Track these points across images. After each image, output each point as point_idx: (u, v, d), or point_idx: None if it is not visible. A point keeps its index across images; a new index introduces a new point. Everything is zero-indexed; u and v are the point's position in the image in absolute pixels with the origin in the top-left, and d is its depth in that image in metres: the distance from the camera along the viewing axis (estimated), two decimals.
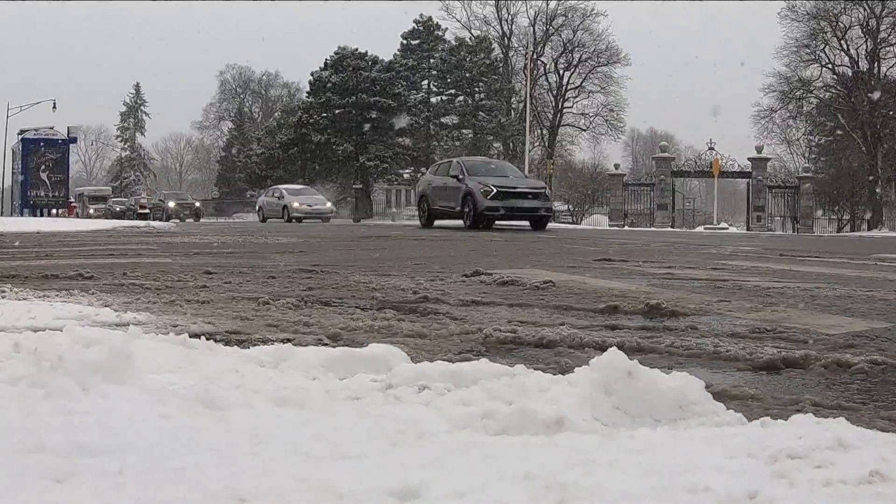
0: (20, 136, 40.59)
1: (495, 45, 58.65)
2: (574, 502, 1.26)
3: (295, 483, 1.31)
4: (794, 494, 1.29)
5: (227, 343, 2.73)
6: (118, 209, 46.20)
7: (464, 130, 56.98)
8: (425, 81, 58.31)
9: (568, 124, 60.06)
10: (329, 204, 34.59)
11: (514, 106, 57.83)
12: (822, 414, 1.84)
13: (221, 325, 3.24)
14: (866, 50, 45.95)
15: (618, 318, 3.60)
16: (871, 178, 42.07)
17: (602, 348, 2.42)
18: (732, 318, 3.67)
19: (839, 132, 45.33)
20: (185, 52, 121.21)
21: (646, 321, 3.56)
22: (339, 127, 54.09)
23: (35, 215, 35.49)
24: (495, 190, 18.47)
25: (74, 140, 43.89)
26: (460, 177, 19.48)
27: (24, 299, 3.92)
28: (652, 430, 1.66)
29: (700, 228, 33.84)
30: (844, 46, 46.05)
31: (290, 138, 55.34)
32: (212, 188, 74.36)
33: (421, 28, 58.37)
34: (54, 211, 38.19)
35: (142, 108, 75.00)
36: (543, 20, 57.85)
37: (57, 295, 4.14)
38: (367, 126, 54.23)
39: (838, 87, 46.91)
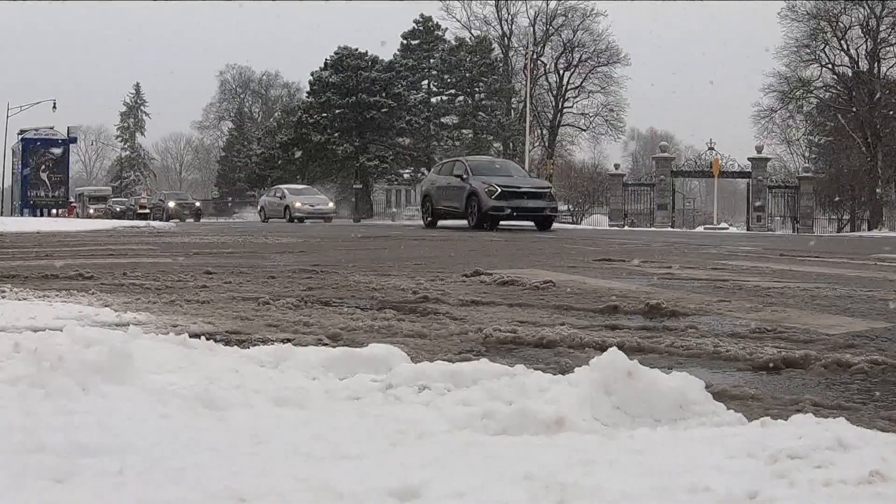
0: (20, 136, 40.60)
1: (495, 45, 58.67)
2: (574, 502, 1.26)
3: (295, 483, 1.31)
4: (794, 494, 1.29)
5: (227, 343, 2.73)
6: (118, 209, 46.19)
7: (464, 130, 57.00)
8: (425, 81, 58.33)
9: (568, 124, 60.10)
10: (331, 204, 34.48)
11: (514, 106, 57.85)
12: (822, 414, 1.84)
13: (221, 325, 3.24)
14: (866, 50, 45.96)
15: (618, 318, 3.60)
16: (871, 176, 42.09)
17: (602, 348, 2.42)
18: (732, 318, 3.67)
19: (839, 136, 45.35)
20: (185, 52, 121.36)
21: (646, 321, 3.56)
22: (339, 127, 54.10)
23: (35, 215, 35.50)
24: (500, 190, 18.19)
25: (74, 140, 43.92)
26: (464, 176, 19.20)
27: (24, 299, 3.92)
28: (652, 430, 1.66)
29: (700, 228, 33.84)
30: (844, 46, 46.08)
31: (290, 138, 55.37)
32: (212, 188, 74.37)
33: (421, 28, 58.40)
34: (54, 211, 38.20)
35: (142, 108, 75.05)
36: (543, 20, 57.89)
37: (57, 295, 4.14)
38: (367, 126, 54.24)
39: (838, 87, 46.92)
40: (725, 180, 44.16)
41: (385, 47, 64.89)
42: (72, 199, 43.22)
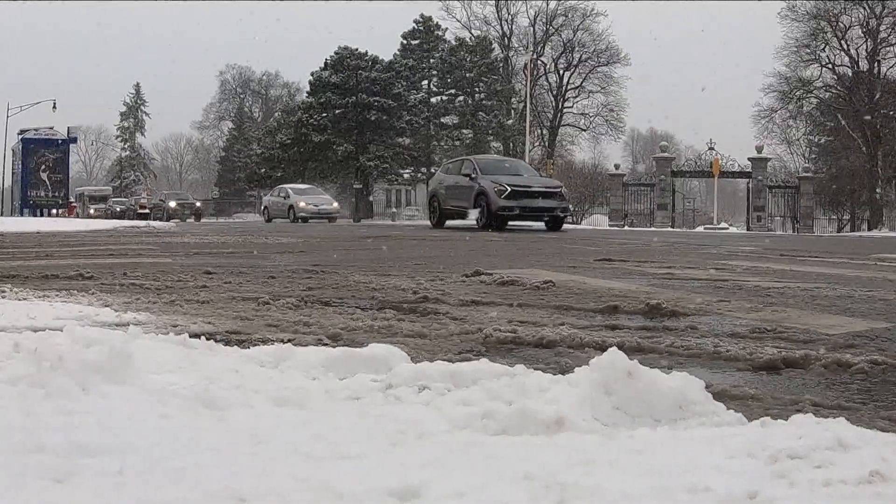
0: (20, 136, 40.61)
1: (495, 45, 58.70)
2: (574, 502, 1.26)
3: (295, 483, 1.31)
4: (794, 494, 1.29)
5: (227, 343, 2.73)
6: (118, 209, 46.22)
7: (464, 130, 57.04)
8: (425, 81, 58.36)
9: (568, 124, 60.13)
10: (335, 204, 34.28)
11: (514, 106, 57.87)
12: (822, 414, 1.84)
13: (221, 325, 3.24)
14: (866, 50, 45.98)
15: (618, 318, 3.60)
16: (871, 176, 42.08)
17: (602, 348, 2.42)
18: (732, 318, 3.67)
19: (839, 136, 45.35)
20: (185, 52, 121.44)
21: (646, 321, 3.56)
22: (339, 127, 54.12)
23: (35, 215, 35.51)
24: (510, 189, 17.84)
25: (74, 140, 43.92)
26: (473, 175, 18.86)
27: (24, 299, 3.92)
28: (652, 430, 1.66)
29: (700, 228, 33.85)
30: (844, 46, 46.09)
31: (290, 138, 55.37)
32: (212, 188, 74.40)
33: (421, 28, 58.43)
34: (54, 211, 38.22)
35: (142, 108, 75.04)
36: (543, 20, 57.92)
37: (57, 295, 4.14)
38: (367, 126, 54.24)
39: (838, 87, 46.92)
40: (725, 180, 44.19)
41: (385, 47, 64.96)
42: (72, 199, 43.23)
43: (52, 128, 40.51)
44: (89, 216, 42.30)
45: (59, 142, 39.94)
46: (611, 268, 6.77)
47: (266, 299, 3.97)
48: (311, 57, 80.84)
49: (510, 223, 18.50)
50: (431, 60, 57.72)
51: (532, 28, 58.32)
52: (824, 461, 1.40)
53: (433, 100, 57.98)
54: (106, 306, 3.69)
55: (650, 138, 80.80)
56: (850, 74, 46.45)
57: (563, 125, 59.72)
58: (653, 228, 33.37)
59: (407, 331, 3.17)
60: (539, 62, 54.42)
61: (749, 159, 40.81)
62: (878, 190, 41.90)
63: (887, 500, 1.27)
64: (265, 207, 35.54)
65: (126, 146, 74.59)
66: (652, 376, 1.84)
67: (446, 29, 58.55)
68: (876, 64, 46.12)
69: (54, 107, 45.62)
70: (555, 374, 2.06)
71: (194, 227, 22.36)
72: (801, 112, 49.27)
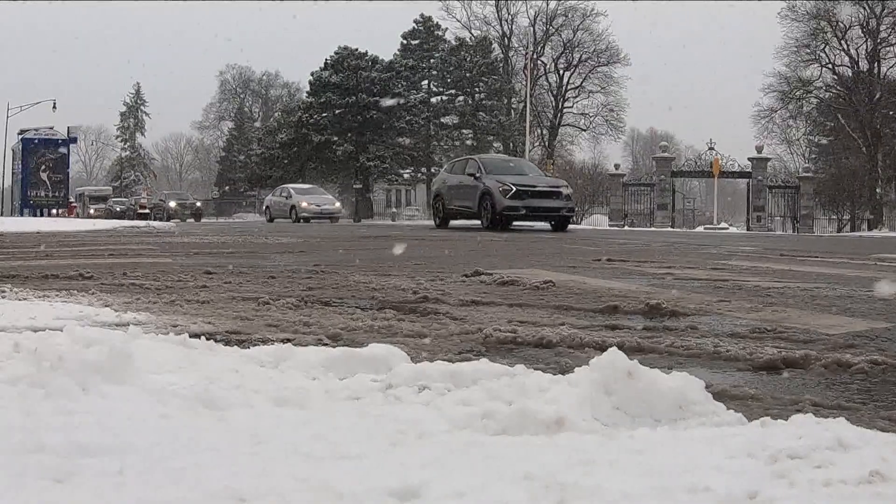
0: (20, 136, 40.63)
1: (495, 45, 58.71)
2: (574, 502, 1.26)
3: (295, 483, 1.31)
4: (794, 494, 1.29)
5: (227, 343, 2.73)
6: (118, 209, 46.20)
7: (464, 130, 57.06)
8: (425, 81, 58.35)
9: (568, 124, 60.14)
10: (338, 204, 33.95)
11: (514, 106, 57.89)
12: (822, 414, 1.84)
13: (221, 325, 3.24)
14: (866, 50, 45.99)
15: (618, 318, 3.60)
16: (871, 176, 42.08)
17: (602, 348, 2.42)
18: (732, 318, 3.67)
19: (839, 136, 45.36)
20: (185, 52, 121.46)
21: (646, 321, 3.56)
22: (339, 127, 54.10)
23: (35, 215, 35.52)
24: (515, 189, 17.56)
25: (74, 140, 43.93)
26: (477, 175, 18.62)
27: (24, 299, 3.92)
28: (652, 430, 1.66)
29: (700, 228, 33.85)
30: (844, 46, 46.10)
31: (290, 138, 55.36)
32: (212, 188, 74.39)
33: (421, 28, 58.43)
34: (54, 211, 38.23)
35: (142, 108, 75.04)
36: (543, 20, 57.93)
37: (57, 295, 4.14)
38: (367, 126, 54.24)
39: (838, 87, 46.93)
40: (725, 180, 44.17)
41: (385, 47, 64.98)
42: (72, 199, 43.24)
43: (52, 128, 40.52)
44: (89, 216, 42.31)
45: (59, 142, 39.96)
46: (611, 268, 6.76)
47: (266, 299, 3.97)
48: (311, 57, 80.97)
49: (514, 223, 18.34)
50: (431, 60, 57.72)
51: (532, 28, 58.36)
52: (824, 461, 1.40)
53: (433, 100, 57.98)
54: (106, 306, 3.69)
55: (650, 138, 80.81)
56: (850, 74, 46.46)
57: (563, 125, 59.73)
58: (653, 228, 33.37)
59: (407, 331, 3.17)
60: (539, 62, 54.45)
61: (749, 159, 40.81)
62: (878, 190, 41.90)
63: (887, 500, 1.27)
64: (267, 207, 35.28)
65: (126, 146, 74.59)
66: (652, 376, 1.84)
67: (446, 29, 58.61)
68: (876, 64, 46.13)
69: (54, 107, 45.64)
70: (555, 374, 2.06)
71: (194, 227, 22.36)
72: (801, 112, 49.29)
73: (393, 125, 54.78)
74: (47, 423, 1.53)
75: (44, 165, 39.18)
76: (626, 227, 34.36)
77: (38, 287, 4.53)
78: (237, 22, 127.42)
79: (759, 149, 41.71)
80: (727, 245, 12.08)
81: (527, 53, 48.53)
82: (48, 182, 39.27)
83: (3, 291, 4.24)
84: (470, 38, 57.62)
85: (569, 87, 59.03)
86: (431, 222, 21.46)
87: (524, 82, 47.89)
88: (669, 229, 32.87)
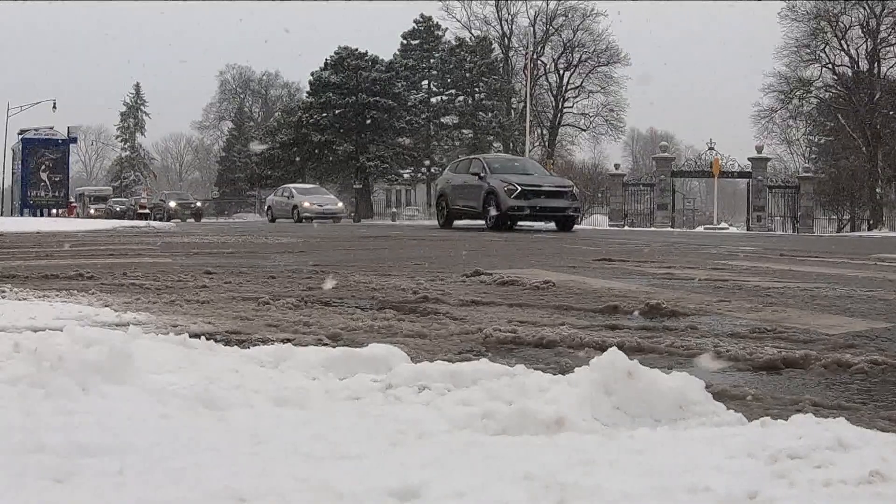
0: (20, 136, 40.65)
1: (495, 45, 58.73)
2: (574, 502, 1.26)
3: (295, 483, 1.31)
4: (794, 494, 1.29)
5: (227, 343, 2.73)
6: (118, 209, 46.22)
7: (464, 130, 57.08)
8: (425, 81, 58.37)
9: (568, 124, 60.18)
10: (340, 204, 33.71)
11: (514, 106, 57.91)
12: (822, 414, 1.84)
13: (221, 325, 3.24)
14: (866, 50, 45.98)
15: (618, 318, 3.60)
16: (871, 177, 42.08)
17: (602, 348, 2.42)
18: (732, 318, 3.67)
19: (839, 136, 45.35)
20: (185, 52, 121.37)
21: (646, 321, 3.56)
22: (339, 127, 54.09)
23: (35, 215, 35.53)
24: (520, 188, 17.40)
25: (74, 140, 43.96)
26: (482, 174, 18.44)
27: (24, 299, 3.92)
28: (652, 430, 1.66)
29: (700, 228, 33.86)
30: (844, 46, 46.10)
31: (290, 138, 55.35)
32: (212, 188, 74.41)
33: (421, 28, 58.45)
34: (54, 211, 38.24)
35: (142, 108, 75.08)
36: (543, 20, 57.96)
37: (57, 295, 4.14)
38: (367, 126, 54.22)
39: (838, 87, 46.93)
40: (725, 180, 44.17)
41: (385, 47, 64.97)
42: (72, 199, 43.24)
43: (52, 128, 40.54)
44: (89, 216, 42.33)
45: (59, 142, 39.97)
46: (611, 268, 6.77)
47: (266, 299, 3.97)
48: (311, 57, 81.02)
49: (519, 223, 18.17)
50: (431, 60, 57.73)
51: (532, 28, 58.38)
52: (824, 461, 1.40)
53: (433, 100, 57.99)
54: (106, 306, 3.69)
55: (650, 138, 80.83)
56: (850, 74, 46.45)
57: (563, 125, 59.77)
58: (653, 228, 33.38)
59: (407, 331, 3.17)
60: (539, 62, 54.45)
61: (749, 159, 40.81)
62: (878, 190, 41.90)
63: (887, 500, 1.27)
64: (269, 207, 35.06)
65: (126, 146, 74.62)
66: (652, 376, 1.84)
67: (446, 29, 58.64)
68: (876, 64, 46.12)
69: (54, 107, 45.65)
70: (555, 374, 2.06)
71: (194, 227, 22.36)
72: (801, 112, 49.28)
73: (393, 125, 54.77)
74: (47, 423, 1.53)
75: (44, 165, 39.20)
76: (626, 227, 34.36)
77: (38, 287, 4.53)
78: (237, 22, 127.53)
79: (759, 149, 41.71)
80: (727, 245, 12.08)
81: (527, 53, 48.55)
82: (48, 182, 39.29)
83: (3, 291, 4.24)
84: (470, 38, 57.64)
85: (569, 87, 59.07)
86: (431, 222, 21.44)
87: (524, 82, 47.91)
88: (669, 229, 32.87)
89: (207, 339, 2.57)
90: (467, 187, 19.06)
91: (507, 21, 59.15)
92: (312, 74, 56.52)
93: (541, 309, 3.91)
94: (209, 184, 78.34)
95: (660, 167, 41.91)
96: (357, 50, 55.71)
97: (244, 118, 74.58)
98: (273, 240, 11.79)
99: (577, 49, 57.70)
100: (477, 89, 56.73)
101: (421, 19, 58.45)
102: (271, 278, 5.34)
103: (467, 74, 55.82)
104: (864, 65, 46.39)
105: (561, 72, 58.73)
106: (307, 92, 58.14)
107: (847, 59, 46.62)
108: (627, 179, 44.14)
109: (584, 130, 59.92)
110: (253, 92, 77.79)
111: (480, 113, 55.84)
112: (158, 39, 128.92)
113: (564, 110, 59.37)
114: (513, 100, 58.27)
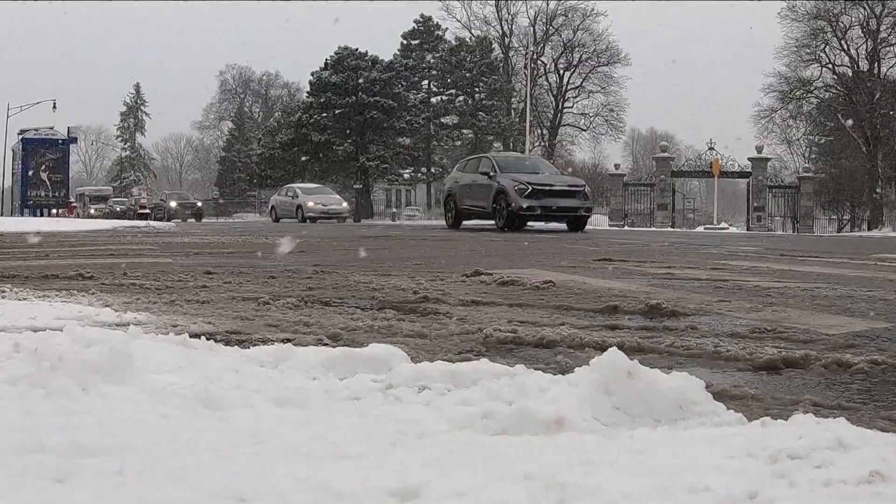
0: (20, 136, 40.66)
1: (495, 45, 58.71)
2: (574, 502, 1.26)
3: (295, 483, 1.31)
4: (794, 494, 1.29)
5: (227, 343, 2.73)
6: (119, 209, 46.20)
7: (464, 130, 57.07)
8: (425, 81, 58.34)
9: (568, 124, 60.15)
10: (345, 204, 33.20)
11: (514, 106, 57.88)
12: (822, 414, 1.84)
13: (221, 325, 3.24)
14: (866, 50, 45.96)
15: (618, 318, 3.60)
16: (871, 177, 42.07)
17: (602, 348, 2.42)
18: (732, 318, 3.67)
19: (839, 136, 45.35)
20: (185, 52, 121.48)
21: (646, 321, 3.56)
22: (339, 127, 54.07)
23: (35, 215, 35.54)
24: (531, 188, 16.92)
25: (74, 140, 43.98)
26: (492, 174, 18.00)
27: (24, 299, 3.92)
28: (652, 430, 1.66)
29: (700, 228, 33.85)
30: (844, 46, 46.07)
31: (290, 138, 55.33)
32: (212, 188, 74.41)
33: (421, 28, 58.42)
34: (54, 211, 38.24)
35: (142, 108, 75.12)
36: (543, 20, 57.92)
37: (57, 295, 4.14)
38: (367, 126, 54.21)
39: (838, 87, 46.91)
40: (725, 180, 44.13)
41: (385, 47, 64.99)
42: (72, 199, 43.24)
43: (52, 128, 40.55)
44: (89, 216, 42.30)
45: (59, 142, 39.99)
46: (611, 268, 6.77)
47: (266, 299, 3.97)
48: (311, 57, 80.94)
49: (529, 224, 17.82)
50: (431, 60, 57.70)
51: (532, 28, 58.35)
52: (824, 461, 1.40)
53: (433, 100, 57.97)
54: (106, 306, 3.69)
55: (650, 138, 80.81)
56: (850, 74, 46.44)
57: (563, 125, 59.74)
58: (653, 228, 33.37)
59: (407, 331, 3.17)
60: (539, 62, 54.44)
61: (749, 159, 40.79)
62: (878, 190, 41.88)
63: (887, 500, 1.27)
64: (272, 207, 34.69)
65: (126, 146, 74.65)
66: (652, 376, 1.84)
67: (446, 29, 58.59)
68: (876, 64, 46.10)
69: (54, 107, 45.65)
70: (555, 374, 2.06)
71: (194, 227, 22.35)
72: (801, 112, 49.26)
73: (393, 125, 54.75)
74: (47, 423, 1.53)
75: (44, 165, 39.21)
76: (626, 227, 34.35)
77: (38, 287, 4.53)
78: (237, 22, 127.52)
79: (759, 149, 41.69)
80: (727, 245, 12.08)
81: (527, 53, 48.52)
82: (48, 182, 39.30)
83: (3, 291, 4.24)
84: (470, 38, 57.61)
85: (569, 87, 59.04)
86: (432, 222, 21.41)
87: (524, 82, 47.90)
88: (669, 229, 32.87)
89: (207, 339, 2.57)
90: (476, 186, 18.60)
91: (507, 21, 59.17)
92: (312, 74, 56.50)
93: (541, 309, 3.91)
94: (209, 184, 78.32)
95: (660, 167, 41.90)
96: (357, 50, 55.68)
97: (244, 118, 74.57)
98: (273, 240, 11.79)
99: (577, 49, 57.68)
100: (477, 89, 56.72)
101: (421, 19, 58.42)
102: (271, 278, 5.34)
103: (467, 74, 55.80)
104: (864, 65, 46.37)
105: (561, 72, 58.71)
106: (307, 92, 58.11)
107: (847, 59, 46.62)
108: (627, 179, 44.13)
109: (584, 130, 59.92)
110: (253, 92, 77.79)
111: (480, 113, 55.82)
112: (158, 39, 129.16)
113: (564, 110, 59.35)
114: (513, 100, 58.25)
